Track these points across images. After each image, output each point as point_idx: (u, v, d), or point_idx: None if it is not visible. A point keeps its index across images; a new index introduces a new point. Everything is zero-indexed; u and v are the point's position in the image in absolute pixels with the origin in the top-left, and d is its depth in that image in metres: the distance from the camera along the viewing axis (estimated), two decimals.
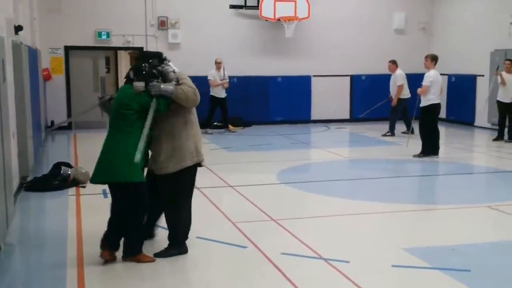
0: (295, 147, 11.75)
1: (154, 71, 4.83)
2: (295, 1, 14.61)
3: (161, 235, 5.35)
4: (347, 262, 4.90)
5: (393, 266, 4.87)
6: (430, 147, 10.04)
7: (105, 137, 4.86)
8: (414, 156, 10.05)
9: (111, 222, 4.93)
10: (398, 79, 12.70)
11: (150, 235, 5.36)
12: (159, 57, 5.01)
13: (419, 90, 10.05)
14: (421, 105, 9.99)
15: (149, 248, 5.08)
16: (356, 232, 5.92)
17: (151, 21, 14.41)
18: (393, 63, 12.95)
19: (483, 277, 4.70)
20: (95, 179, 4.90)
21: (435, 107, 9.96)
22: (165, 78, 4.84)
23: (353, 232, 5.92)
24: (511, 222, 6.43)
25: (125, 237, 4.88)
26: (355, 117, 15.73)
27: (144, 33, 14.37)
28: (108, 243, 4.84)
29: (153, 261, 4.90)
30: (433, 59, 10.03)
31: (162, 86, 4.74)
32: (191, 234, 5.29)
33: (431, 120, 10.03)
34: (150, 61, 4.92)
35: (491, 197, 7.63)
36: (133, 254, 4.88)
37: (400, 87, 12.64)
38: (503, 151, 10.87)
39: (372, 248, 5.35)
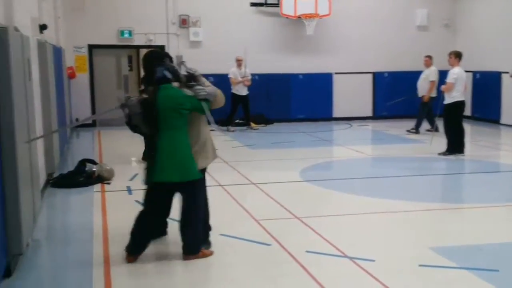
0: (317, 145, 11.69)
1: (186, 72, 4.89)
2: None
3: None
4: (373, 261, 4.85)
5: (420, 265, 4.81)
6: (455, 145, 9.91)
7: (162, 138, 4.75)
8: (440, 154, 9.92)
9: (143, 227, 4.92)
10: (432, 74, 12.55)
11: (164, 233, 5.43)
12: (170, 58, 5.14)
13: (443, 87, 9.93)
14: (445, 102, 9.86)
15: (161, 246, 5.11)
16: (381, 230, 5.86)
17: (173, 19, 14.47)
18: (430, 58, 12.80)
19: None
20: (167, 178, 4.76)
21: (459, 105, 9.83)
22: (196, 79, 4.91)
23: (377, 230, 5.87)
24: None
25: (188, 235, 4.87)
26: (377, 115, 15.62)
27: (165, 31, 14.44)
28: (136, 251, 4.87)
29: (212, 254, 5.00)
30: (457, 56, 9.89)
31: (207, 89, 4.81)
32: (216, 231, 5.32)
33: (455, 118, 9.90)
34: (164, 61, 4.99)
35: None
36: (197, 251, 4.91)
37: (433, 83, 12.47)
38: None
39: (398, 247, 5.29)
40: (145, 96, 4.89)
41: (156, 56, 5.22)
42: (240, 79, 13.38)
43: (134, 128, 5.07)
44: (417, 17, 15.92)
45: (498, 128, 13.94)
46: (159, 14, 14.34)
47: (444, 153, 9.90)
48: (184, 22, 14.50)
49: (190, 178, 4.79)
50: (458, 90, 9.70)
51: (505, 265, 4.83)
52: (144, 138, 5.83)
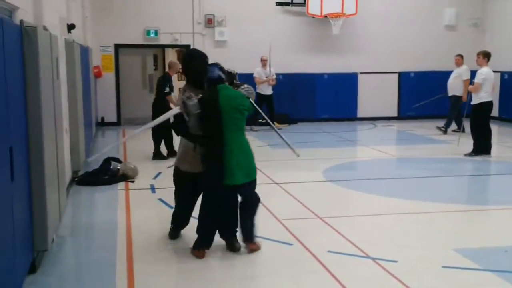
0: (341, 145, 11.64)
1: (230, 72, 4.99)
2: None
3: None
4: (395, 261, 4.82)
5: (443, 267, 4.75)
6: (482, 146, 9.75)
7: (227, 139, 4.76)
8: (466, 155, 9.78)
9: (210, 226, 5.03)
10: (465, 73, 12.35)
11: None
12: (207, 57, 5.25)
13: (470, 87, 9.80)
14: (472, 103, 9.73)
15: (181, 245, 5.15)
16: (404, 231, 5.81)
17: (198, 19, 14.55)
18: (462, 57, 12.63)
19: None
20: (239, 180, 4.85)
21: (487, 105, 9.67)
22: (236, 79, 5.04)
23: (401, 231, 5.81)
24: None
25: (251, 227, 5.05)
26: (402, 115, 15.46)
27: (191, 31, 14.53)
28: (205, 246, 5.00)
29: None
30: (486, 56, 9.74)
31: (251, 88, 4.97)
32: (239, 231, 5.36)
33: (482, 119, 9.75)
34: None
35: None
36: (253, 239, 5.08)
37: (467, 81, 12.25)
38: None
39: (421, 248, 5.24)
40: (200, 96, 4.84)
41: (201, 55, 5.22)
42: (265, 78, 13.39)
43: (182, 130, 5.04)
44: (445, 16, 15.71)
45: None
46: (185, 14, 14.43)
47: (470, 154, 9.76)
48: (209, 22, 14.56)
49: (254, 177, 5.01)
50: (486, 90, 9.55)
51: None
52: (191, 140, 5.18)
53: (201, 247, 4.98)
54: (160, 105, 9.16)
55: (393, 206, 6.77)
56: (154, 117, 9.85)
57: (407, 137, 12.78)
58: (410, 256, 4.99)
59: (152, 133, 9.55)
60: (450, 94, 12.54)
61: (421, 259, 4.94)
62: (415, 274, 4.60)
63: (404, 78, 15.62)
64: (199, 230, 5.03)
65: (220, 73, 4.86)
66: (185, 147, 5.15)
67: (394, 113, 15.61)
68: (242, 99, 4.86)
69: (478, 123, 9.74)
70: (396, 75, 15.62)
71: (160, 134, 9.45)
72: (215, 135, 4.77)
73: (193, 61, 5.16)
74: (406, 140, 12.61)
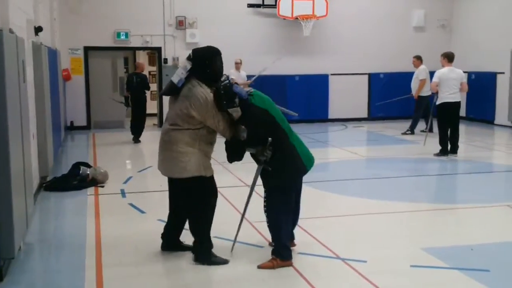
0: (312, 146, 11.44)
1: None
2: (313, 0, 14.57)
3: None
4: (365, 262, 4.87)
5: (412, 266, 4.83)
6: (446, 146, 9.95)
7: (289, 136, 4.88)
8: (435, 155, 9.95)
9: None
10: (421, 73, 12.60)
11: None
12: None
13: (431, 86, 10.17)
14: (436, 103, 9.96)
15: (154, 251, 5.12)
16: (373, 231, 5.87)
17: (169, 21, 14.49)
18: (418, 58, 12.88)
19: (503, 277, 4.64)
20: (311, 165, 5.09)
21: (445, 106, 9.83)
22: None
23: (370, 231, 5.88)
24: None
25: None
26: (373, 116, 15.64)
27: (162, 33, 14.45)
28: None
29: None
30: (446, 56, 10.00)
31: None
32: (213, 233, 5.36)
33: (442, 119, 9.95)
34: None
35: (511, 196, 7.53)
36: None
37: (422, 82, 12.52)
38: None
39: (390, 248, 5.31)
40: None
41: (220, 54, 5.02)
42: (240, 81, 13.37)
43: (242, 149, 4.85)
44: (414, 18, 15.96)
45: (492, 129, 13.98)
46: (156, 16, 14.36)
47: (438, 154, 9.93)
48: (181, 24, 14.52)
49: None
50: (443, 91, 9.74)
51: (496, 265, 4.86)
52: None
53: (289, 253, 4.86)
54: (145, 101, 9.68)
55: (363, 207, 6.85)
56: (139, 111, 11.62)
57: (377, 138, 12.94)
58: (379, 256, 5.05)
59: None
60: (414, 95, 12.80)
61: (390, 259, 5.01)
62: (384, 274, 4.66)
63: (374, 79, 15.81)
64: (281, 237, 4.82)
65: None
66: (202, 151, 4.82)
67: (364, 114, 15.79)
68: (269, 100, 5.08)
69: (439, 123, 9.93)
70: (366, 76, 15.80)
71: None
72: (280, 136, 4.82)
73: (217, 60, 4.92)
74: (376, 140, 12.76)
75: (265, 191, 4.98)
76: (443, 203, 7.19)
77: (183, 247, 5.18)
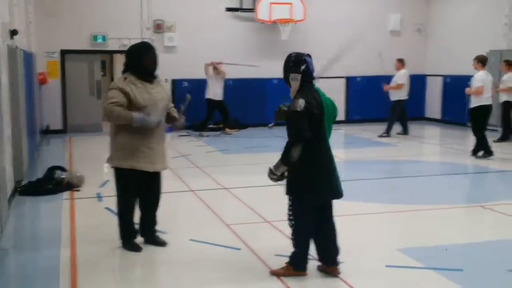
0: None
1: None
2: (291, 4, 14.64)
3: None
4: (342, 262, 4.90)
5: (387, 266, 4.88)
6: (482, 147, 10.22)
7: (329, 152, 4.58)
8: (478, 157, 10.07)
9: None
10: (401, 77, 12.78)
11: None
12: None
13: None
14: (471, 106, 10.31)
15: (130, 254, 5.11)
16: (350, 233, 5.88)
17: (147, 24, 14.43)
18: (400, 61, 13.06)
19: (475, 276, 4.71)
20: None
21: (484, 108, 10.07)
22: None
23: (347, 233, 5.88)
24: (503, 221, 6.44)
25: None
26: (350, 118, 15.77)
27: (140, 36, 14.38)
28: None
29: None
30: (480, 60, 10.26)
31: None
32: (185, 236, 5.33)
33: (480, 121, 10.19)
34: None
35: (484, 197, 7.66)
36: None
37: (400, 85, 12.71)
38: (497, 151, 10.86)
39: (366, 249, 5.36)
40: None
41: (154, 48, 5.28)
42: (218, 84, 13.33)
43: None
44: (390, 22, 16.15)
45: (466, 131, 14.18)
46: (134, 19, 14.28)
47: (484, 156, 10.08)
48: (158, 27, 14.46)
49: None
50: (484, 94, 9.97)
51: (469, 265, 4.94)
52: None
53: (305, 264, 4.65)
54: None
55: (340, 209, 6.83)
56: None
57: (354, 140, 13.04)
58: (355, 257, 5.09)
59: None
60: (391, 99, 12.96)
61: (366, 260, 5.06)
62: (360, 274, 4.70)
63: (351, 83, 15.95)
64: (300, 247, 4.61)
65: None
66: (130, 139, 4.98)
67: (342, 116, 15.89)
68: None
69: (477, 125, 10.17)
70: (344, 80, 15.93)
71: None
72: (321, 140, 4.44)
73: (150, 52, 5.11)
74: (353, 143, 12.86)
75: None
76: (419, 204, 7.23)
77: (160, 242, 5.29)
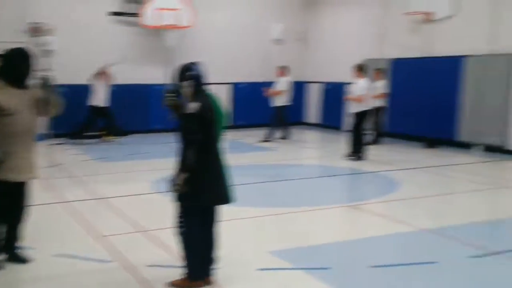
0: (172, 155, 11.59)
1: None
2: (177, 9, 14.54)
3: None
4: (215, 270, 4.92)
5: (258, 269, 4.97)
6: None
7: (218, 157, 4.58)
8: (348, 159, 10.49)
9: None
10: (282, 84, 13.16)
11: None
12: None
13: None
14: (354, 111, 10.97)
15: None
16: (225, 239, 5.92)
17: (22, 27, 13.66)
18: (281, 69, 13.43)
19: (343, 274, 4.93)
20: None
21: (366, 113, 10.96)
22: None
23: (222, 239, 5.94)
24: (369, 220, 6.84)
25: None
26: (236, 124, 15.98)
27: (16, 40, 13.56)
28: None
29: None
30: (360, 69, 10.94)
31: None
32: (54, 251, 5.10)
33: (361, 125, 10.91)
34: None
35: (356, 197, 8.11)
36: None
37: (280, 92, 13.12)
38: (369, 154, 11.51)
39: (238, 253, 5.41)
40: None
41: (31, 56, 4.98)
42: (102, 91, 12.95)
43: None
44: (274, 31, 16.60)
45: (343, 135, 14.93)
46: (9, 22, 13.44)
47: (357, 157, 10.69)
48: (35, 31, 13.73)
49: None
50: (367, 100, 10.74)
51: (337, 263, 5.18)
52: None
53: (201, 273, 4.53)
54: None
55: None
56: None
57: (237, 146, 13.19)
58: (227, 262, 5.09)
59: None
60: (273, 105, 13.35)
61: (238, 264, 5.10)
62: (232, 279, 4.73)
63: (237, 89, 16.19)
64: (193, 256, 4.51)
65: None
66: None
67: (228, 122, 16.06)
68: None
69: (359, 128, 10.88)
70: (229, 86, 16.13)
71: None
72: (211, 145, 4.49)
73: (26, 60, 4.89)
74: (236, 148, 12.99)
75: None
76: (296, 206, 7.45)
77: (23, 259, 5.03)
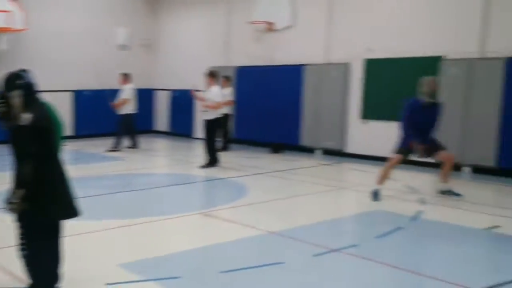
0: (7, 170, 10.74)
1: None
2: (8, 11, 13.50)
3: None
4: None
5: (106, 284, 4.76)
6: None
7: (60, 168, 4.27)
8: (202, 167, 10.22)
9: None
10: (126, 92, 12.80)
11: None
12: None
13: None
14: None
15: None
16: (70, 255, 5.61)
17: None
18: (123, 76, 13.03)
19: (193, 282, 4.89)
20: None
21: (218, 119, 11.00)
22: None
23: (67, 255, 5.61)
24: (220, 226, 6.89)
25: None
26: (79, 134, 15.25)
27: None
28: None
29: None
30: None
31: None
32: None
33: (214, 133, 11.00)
34: None
35: (207, 204, 8.15)
36: None
37: (125, 100, 12.77)
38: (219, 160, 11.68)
39: (85, 269, 5.13)
40: None
41: None
42: None
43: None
44: (118, 36, 16.15)
45: (193, 142, 15.03)
46: None
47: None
48: None
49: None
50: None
51: (187, 271, 5.12)
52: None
53: None
54: None
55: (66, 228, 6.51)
56: None
57: (81, 156, 12.61)
58: (73, 279, 4.82)
59: None
60: (119, 113, 12.99)
61: (85, 280, 4.84)
62: None
63: (79, 97, 15.45)
64: (42, 278, 4.23)
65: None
66: None
67: (69, 132, 15.24)
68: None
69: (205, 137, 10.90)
70: (70, 94, 15.35)
71: None
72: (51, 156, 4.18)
73: None
74: (80, 159, 12.42)
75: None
76: (147, 216, 7.24)
77: None
